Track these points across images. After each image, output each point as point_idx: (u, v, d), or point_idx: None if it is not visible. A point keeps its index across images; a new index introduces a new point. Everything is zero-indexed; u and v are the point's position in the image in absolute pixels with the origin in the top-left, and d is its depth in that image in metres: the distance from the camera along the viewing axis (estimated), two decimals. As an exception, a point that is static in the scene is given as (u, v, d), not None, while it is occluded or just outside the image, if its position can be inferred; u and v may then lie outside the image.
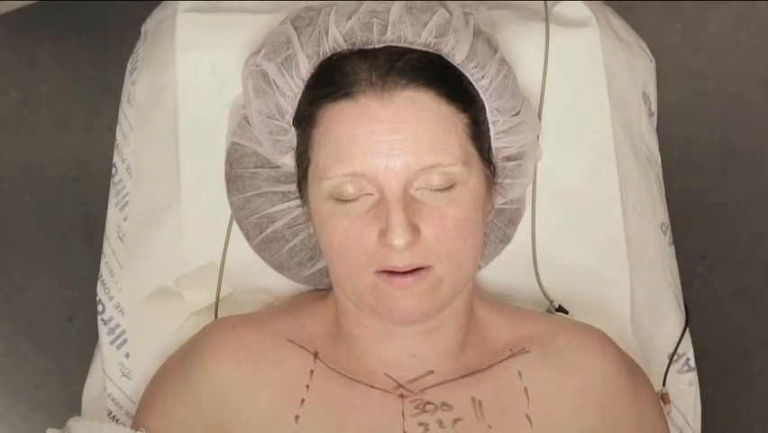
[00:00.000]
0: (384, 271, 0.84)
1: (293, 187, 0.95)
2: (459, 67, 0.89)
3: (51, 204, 1.61)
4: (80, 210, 1.59)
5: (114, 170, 1.10)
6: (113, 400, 1.04)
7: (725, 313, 1.56)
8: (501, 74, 0.91)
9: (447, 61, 0.89)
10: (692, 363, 1.09)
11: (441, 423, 0.88)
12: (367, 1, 0.91)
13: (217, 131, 1.03)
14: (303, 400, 0.89)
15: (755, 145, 1.64)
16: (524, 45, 1.06)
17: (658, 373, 1.06)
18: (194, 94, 1.05)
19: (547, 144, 1.02)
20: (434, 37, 0.88)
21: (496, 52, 0.92)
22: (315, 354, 0.92)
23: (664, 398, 1.04)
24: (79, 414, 1.09)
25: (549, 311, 1.04)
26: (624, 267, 1.05)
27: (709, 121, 1.65)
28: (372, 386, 0.90)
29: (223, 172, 1.03)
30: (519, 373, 0.91)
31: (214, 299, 1.04)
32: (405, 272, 0.84)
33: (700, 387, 1.09)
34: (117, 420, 1.03)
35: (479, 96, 0.90)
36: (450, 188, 0.85)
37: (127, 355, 1.04)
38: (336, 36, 0.88)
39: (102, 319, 1.06)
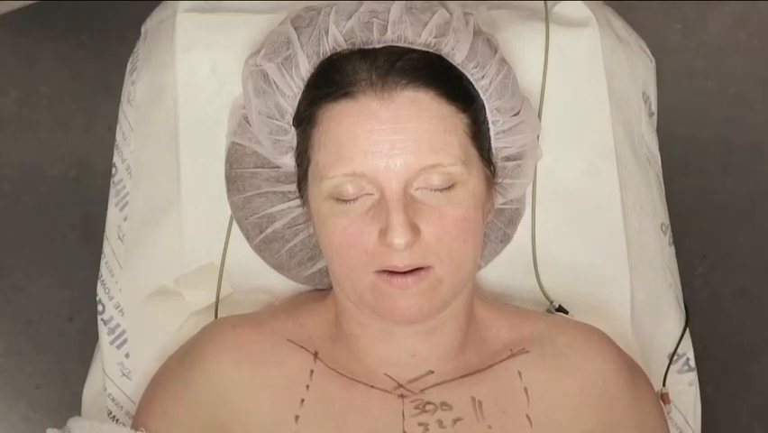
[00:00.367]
0: (384, 271, 0.84)
1: (293, 187, 0.95)
2: (459, 67, 0.89)
3: (51, 204, 1.61)
4: (80, 210, 1.59)
5: (114, 170, 1.10)
6: (113, 400, 1.04)
7: (725, 313, 1.56)
8: (501, 74, 0.91)
9: (447, 61, 0.89)
10: (692, 363, 1.09)
11: (441, 423, 0.88)
12: (367, 1, 0.91)
13: (217, 131, 1.03)
14: (303, 400, 0.89)
15: (755, 145, 1.64)
16: (524, 45, 1.06)
17: (658, 373, 1.06)
18: (194, 94, 1.05)
19: (547, 144, 1.02)
20: (434, 37, 0.88)
21: (496, 52, 0.92)
22: (315, 354, 0.92)
23: (664, 398, 1.04)
24: (79, 414, 1.09)
25: (549, 311, 1.04)
26: (624, 267, 1.05)
27: (709, 121, 1.65)
28: (372, 386, 0.90)
29: (223, 172, 1.03)
30: (519, 373, 0.91)
31: (214, 299, 1.04)
32: (405, 272, 0.84)
33: (700, 387, 1.09)
34: (117, 420, 1.03)
35: (479, 96, 0.90)
36: (450, 188, 0.85)
37: (127, 355, 1.04)
38: (336, 36, 0.88)
39: (102, 319, 1.06)
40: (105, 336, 1.05)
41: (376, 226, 0.83)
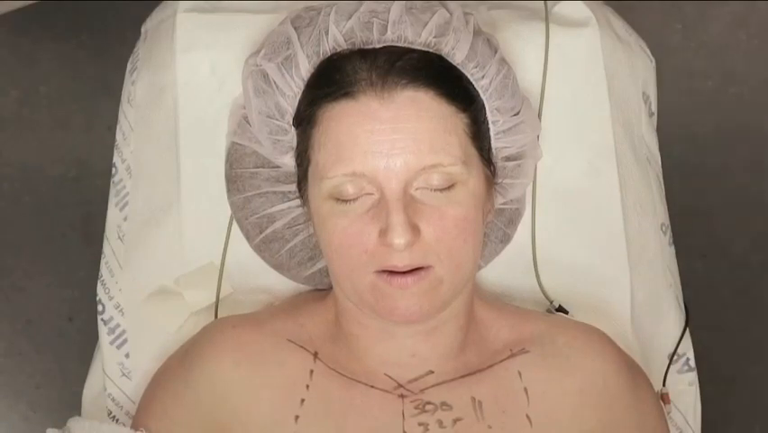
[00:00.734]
0: (384, 271, 0.84)
1: (293, 187, 0.95)
2: (459, 67, 0.89)
3: (51, 204, 1.61)
4: (80, 210, 1.59)
5: (114, 170, 1.10)
6: (113, 400, 1.04)
7: (725, 313, 1.56)
8: (501, 74, 0.91)
9: (447, 61, 0.89)
10: (692, 363, 1.09)
11: (441, 423, 0.88)
12: (367, 1, 0.91)
13: (217, 131, 1.03)
14: (303, 400, 0.89)
15: (755, 145, 1.64)
16: (524, 45, 1.06)
17: (658, 373, 1.06)
18: (194, 94, 1.05)
19: (547, 144, 1.02)
20: (434, 37, 0.88)
21: (496, 52, 0.92)
22: (315, 354, 0.92)
23: (664, 398, 1.04)
24: (79, 414, 1.09)
25: (549, 311, 1.04)
26: (624, 267, 1.05)
27: (709, 121, 1.66)
28: (372, 386, 0.90)
29: (223, 172, 1.03)
30: (519, 373, 0.91)
31: (214, 299, 1.04)
32: (405, 272, 0.84)
33: (700, 387, 1.09)
34: (117, 420, 1.03)
35: (479, 95, 0.90)
36: (450, 187, 0.85)
37: (127, 355, 1.04)
38: (336, 36, 0.88)
39: (102, 319, 1.06)
40: (105, 336, 1.05)
41: (376, 226, 0.83)
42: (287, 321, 0.95)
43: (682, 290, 1.12)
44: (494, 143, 0.92)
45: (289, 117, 0.91)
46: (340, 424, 0.88)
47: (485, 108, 0.91)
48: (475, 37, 0.90)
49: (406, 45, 0.88)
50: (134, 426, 0.92)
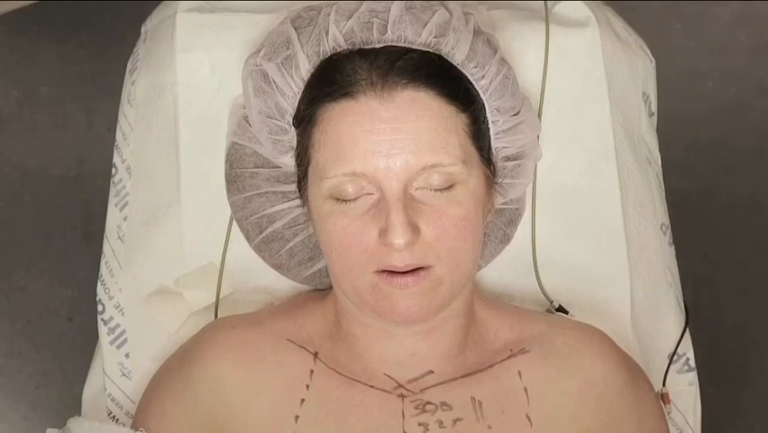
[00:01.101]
0: (384, 271, 0.84)
1: (293, 187, 0.95)
2: (459, 66, 0.89)
3: (51, 204, 1.61)
4: (80, 210, 1.59)
5: (114, 170, 1.10)
6: (113, 400, 1.04)
7: (725, 313, 1.56)
8: (501, 74, 0.91)
9: (447, 61, 0.89)
10: (692, 363, 1.09)
11: (441, 423, 0.88)
12: (367, 1, 0.91)
13: (217, 131, 1.03)
14: (303, 400, 0.89)
15: (755, 145, 1.65)
16: (524, 45, 1.06)
17: (658, 373, 1.06)
18: (194, 94, 1.05)
19: (547, 144, 1.02)
20: (434, 37, 0.88)
21: (496, 52, 0.92)
22: (315, 354, 0.92)
23: (664, 398, 1.04)
24: (79, 414, 1.09)
25: (549, 311, 1.04)
26: (624, 267, 1.05)
27: (709, 121, 1.66)
28: (372, 386, 0.90)
29: (223, 172, 1.03)
30: (519, 373, 0.91)
31: (214, 299, 1.04)
32: (405, 272, 0.84)
33: (700, 387, 1.09)
34: (117, 420, 1.03)
35: (479, 95, 0.90)
36: (450, 187, 0.85)
37: (127, 355, 1.04)
38: (336, 36, 0.88)
39: (102, 319, 1.06)
40: (104, 336, 1.05)
41: (376, 226, 0.83)
42: (286, 321, 0.95)
43: (682, 290, 1.12)
44: (494, 143, 0.92)
45: (289, 117, 0.91)
46: (340, 424, 0.88)
47: (485, 108, 0.91)
48: (475, 37, 0.90)
49: (406, 45, 0.88)
50: (134, 426, 0.92)
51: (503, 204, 0.99)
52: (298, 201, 0.96)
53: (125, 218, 1.07)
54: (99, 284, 1.07)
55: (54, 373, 1.54)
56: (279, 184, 0.98)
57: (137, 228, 1.06)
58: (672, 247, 1.12)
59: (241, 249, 1.03)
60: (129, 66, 1.13)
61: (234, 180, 1.01)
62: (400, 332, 0.91)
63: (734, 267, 1.59)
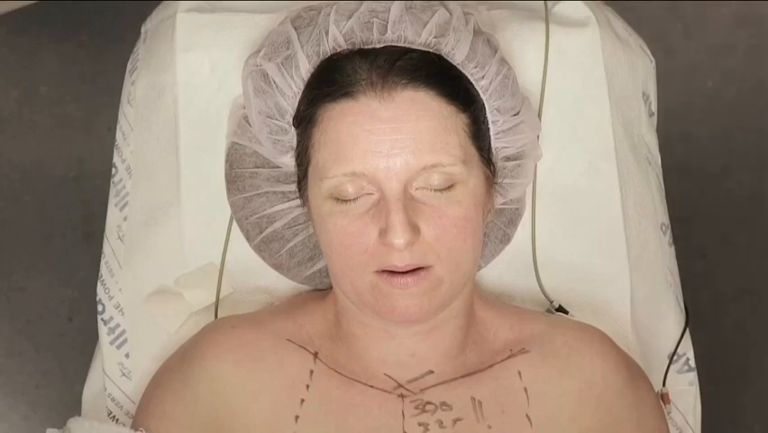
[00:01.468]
0: (384, 271, 0.84)
1: (293, 187, 0.95)
2: (459, 66, 0.89)
3: (51, 204, 1.61)
4: (80, 210, 1.59)
5: (114, 170, 1.10)
6: (113, 400, 1.04)
7: (725, 313, 1.56)
8: (501, 74, 0.91)
9: (447, 61, 0.89)
10: (692, 363, 1.09)
11: (441, 423, 0.88)
12: (367, 1, 0.91)
13: (217, 131, 1.03)
14: (303, 401, 0.89)
15: (755, 145, 1.65)
16: (524, 45, 1.06)
17: (658, 373, 1.06)
18: (194, 94, 1.05)
19: (547, 144, 1.02)
20: (434, 37, 0.88)
21: (496, 52, 0.92)
22: (315, 355, 0.92)
23: (664, 398, 1.04)
24: (79, 414, 1.09)
25: (549, 311, 1.04)
26: (623, 267, 1.05)
27: (709, 121, 1.66)
28: (372, 386, 0.90)
29: (223, 172, 1.03)
30: (519, 373, 0.91)
31: (214, 299, 1.04)
32: (405, 272, 0.84)
33: (700, 387, 1.09)
34: (117, 420, 1.03)
35: (479, 95, 0.90)
36: (450, 187, 0.85)
37: (127, 355, 1.04)
38: (336, 36, 0.88)
39: (102, 319, 1.06)
40: (104, 336, 1.05)
41: (376, 226, 0.83)
42: (286, 321, 0.95)
43: (682, 290, 1.12)
44: (494, 143, 0.92)
45: (289, 117, 0.91)
46: (340, 424, 0.88)
47: (485, 108, 0.91)
48: (475, 37, 0.90)
49: (406, 45, 0.88)
50: (134, 426, 0.92)
51: (503, 204, 0.99)
52: (298, 201, 0.96)
53: (125, 218, 1.07)
54: (99, 284, 1.07)
55: (54, 373, 1.54)
56: (279, 184, 0.98)
57: (137, 228, 1.06)
58: (672, 247, 1.12)
59: (241, 249, 1.03)
60: (129, 66, 1.13)
61: (234, 180, 1.01)
62: (400, 332, 0.91)
63: (734, 267, 1.59)
